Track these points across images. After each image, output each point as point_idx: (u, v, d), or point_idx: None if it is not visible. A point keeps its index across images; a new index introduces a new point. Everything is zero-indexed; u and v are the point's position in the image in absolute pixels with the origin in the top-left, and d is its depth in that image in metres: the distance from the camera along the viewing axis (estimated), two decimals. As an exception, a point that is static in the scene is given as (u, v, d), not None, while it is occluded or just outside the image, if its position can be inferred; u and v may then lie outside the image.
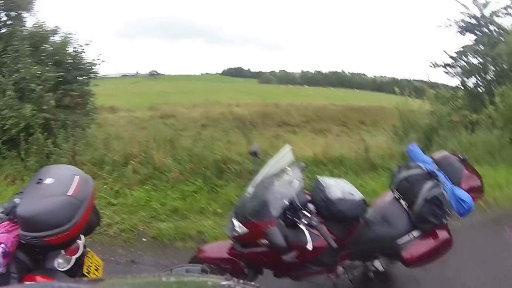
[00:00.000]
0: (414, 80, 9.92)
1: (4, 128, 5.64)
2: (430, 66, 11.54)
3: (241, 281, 1.18)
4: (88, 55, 7.58)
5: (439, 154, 3.29)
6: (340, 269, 2.96)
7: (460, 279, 3.89)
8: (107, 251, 3.59)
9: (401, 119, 8.98)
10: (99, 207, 3.94)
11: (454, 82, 11.63)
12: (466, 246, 4.42)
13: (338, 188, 2.60)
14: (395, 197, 3.13)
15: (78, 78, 7.38)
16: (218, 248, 2.92)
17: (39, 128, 5.59)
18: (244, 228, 2.43)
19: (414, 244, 2.90)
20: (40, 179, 2.17)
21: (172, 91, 37.18)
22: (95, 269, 2.52)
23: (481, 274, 3.98)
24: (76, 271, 2.33)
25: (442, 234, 2.98)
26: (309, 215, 2.38)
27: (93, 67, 7.63)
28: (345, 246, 2.73)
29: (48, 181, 2.16)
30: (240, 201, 2.65)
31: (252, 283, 1.24)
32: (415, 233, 2.93)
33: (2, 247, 2.01)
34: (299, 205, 2.43)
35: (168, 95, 32.13)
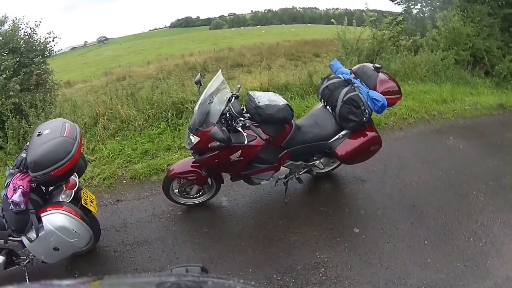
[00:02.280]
0: (367, 9, 10.06)
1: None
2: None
3: (241, 280, 1.25)
4: (39, 35, 7.57)
5: (357, 66, 3.90)
6: (285, 169, 3.65)
7: (401, 176, 4.55)
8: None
9: (343, 46, 9.45)
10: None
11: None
12: (408, 151, 5.13)
13: (266, 97, 3.24)
14: (322, 105, 3.79)
15: (34, 59, 7.43)
16: (183, 164, 3.55)
17: (11, 114, 5.64)
18: (196, 137, 3.07)
19: (344, 142, 3.56)
20: (39, 132, 2.77)
21: (123, 53, 36.06)
22: (91, 201, 3.16)
23: (420, 172, 4.66)
24: (76, 204, 2.94)
25: (370, 133, 3.63)
26: (243, 119, 3.03)
27: (46, 45, 7.69)
28: (283, 146, 3.40)
29: (46, 131, 2.75)
30: (191, 118, 3.25)
31: (252, 282, 1.22)
32: (344, 133, 3.59)
33: (21, 189, 2.63)
34: (234, 112, 3.09)
35: (120, 58, 31.24)
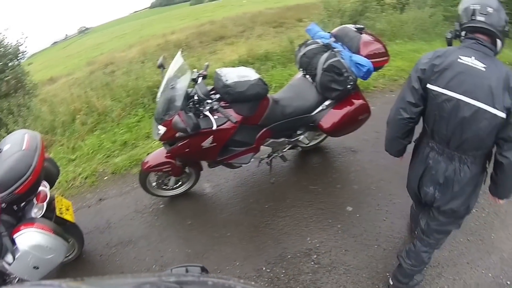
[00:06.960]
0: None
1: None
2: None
3: (241, 280, 1.22)
4: (12, 37, 7.50)
5: (337, 28, 3.49)
6: (266, 148, 3.35)
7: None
8: (78, 201, 3.88)
9: (324, 7, 9.13)
10: (62, 167, 4.15)
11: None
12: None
13: (235, 73, 2.91)
14: (302, 74, 3.45)
15: (8, 64, 7.26)
16: (156, 156, 3.25)
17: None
18: (163, 127, 2.79)
19: (329, 113, 3.24)
20: (0, 149, 2.57)
21: (105, 40, 35.24)
22: (66, 209, 2.95)
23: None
24: (51, 215, 2.75)
25: (356, 100, 3.28)
26: (209, 102, 2.73)
27: (19, 47, 7.57)
28: (260, 124, 3.09)
29: (6, 147, 2.57)
30: (156, 108, 2.96)
31: (252, 283, 1.15)
32: (328, 103, 3.27)
33: None
34: (201, 95, 2.74)
35: (102, 45, 30.33)
